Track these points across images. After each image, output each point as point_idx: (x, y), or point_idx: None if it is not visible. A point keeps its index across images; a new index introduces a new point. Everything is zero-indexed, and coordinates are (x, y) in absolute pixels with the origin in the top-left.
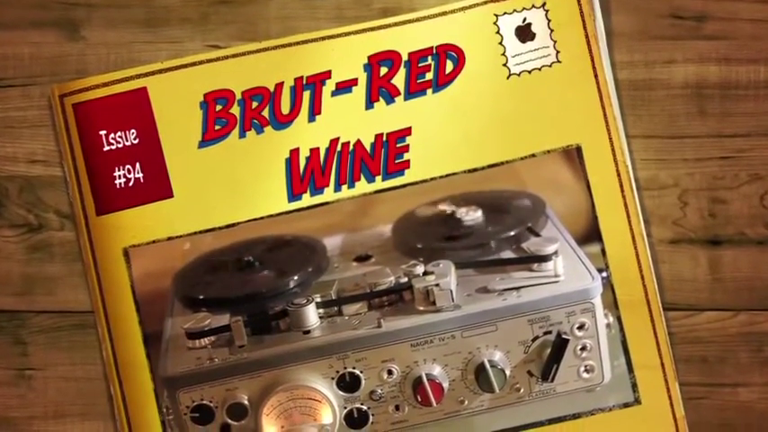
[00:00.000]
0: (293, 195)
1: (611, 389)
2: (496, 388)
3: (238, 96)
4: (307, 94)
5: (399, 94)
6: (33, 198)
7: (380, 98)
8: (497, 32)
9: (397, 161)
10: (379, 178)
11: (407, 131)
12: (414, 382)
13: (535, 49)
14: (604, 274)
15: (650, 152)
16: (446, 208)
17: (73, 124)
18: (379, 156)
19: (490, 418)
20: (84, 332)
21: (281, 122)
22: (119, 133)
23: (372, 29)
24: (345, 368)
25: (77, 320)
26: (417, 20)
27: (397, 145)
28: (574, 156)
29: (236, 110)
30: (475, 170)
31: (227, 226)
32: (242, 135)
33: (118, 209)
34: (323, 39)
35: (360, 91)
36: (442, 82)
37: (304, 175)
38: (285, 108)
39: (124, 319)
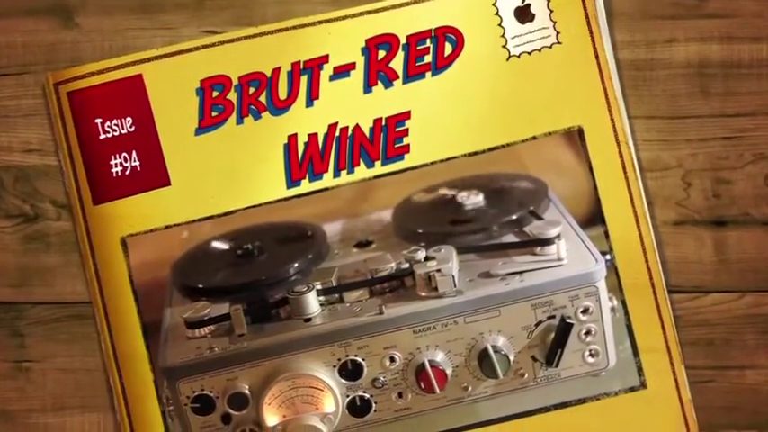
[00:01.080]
0: (292, 182)
1: (616, 373)
2: (500, 374)
3: (235, 82)
4: (304, 79)
5: (398, 77)
6: (29, 188)
7: (379, 82)
8: (496, 14)
9: (396, 146)
10: (378, 163)
11: (406, 115)
12: (416, 369)
13: (535, 31)
14: (608, 257)
15: (652, 133)
16: (447, 192)
17: (68, 113)
18: (378, 140)
19: (494, 404)
20: (82, 323)
21: (279, 108)
22: (114, 121)
23: (369, 12)
24: (347, 356)
25: (75, 311)
26: (415, 2)
27: (397, 129)
28: (575, 138)
29: (232, 96)
30: (476, 153)
31: (226, 213)
32: (239, 121)
33: (115, 198)
34: (320, 23)
35: (358, 75)
36: (440, 65)
37: (302, 161)
38: (282, 93)
39: (122, 309)
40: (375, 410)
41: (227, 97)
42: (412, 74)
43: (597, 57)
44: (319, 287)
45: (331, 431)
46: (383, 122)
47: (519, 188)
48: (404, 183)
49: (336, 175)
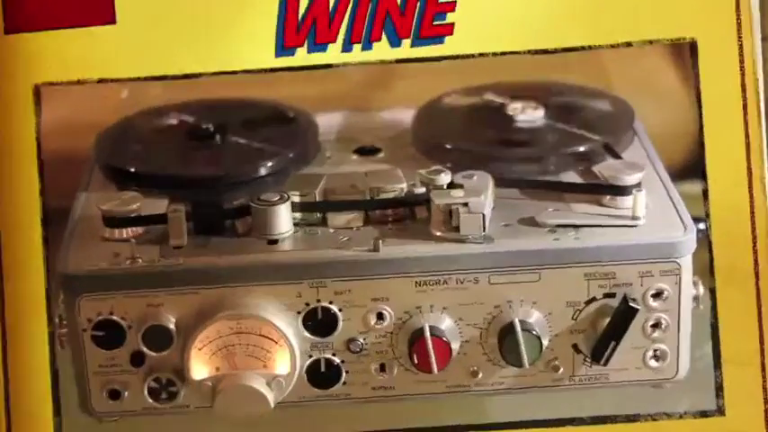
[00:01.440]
0: (283, 48)
1: (685, 388)
2: (526, 361)
3: None
4: None
5: None
6: None
7: None
8: None
9: (436, 22)
10: (407, 42)
11: None
12: (411, 336)
13: None
14: (702, 227)
15: None
16: (495, 99)
17: None
18: (413, 10)
19: (509, 402)
20: None
21: None
22: None
23: None
24: (319, 301)
25: None
26: None
27: (440, 0)
28: (685, 53)
29: None
30: (544, 52)
31: (187, 76)
32: None
33: (35, 29)
34: None
35: None
36: None
37: (302, 22)
38: None
39: (19, 181)
40: (344, 383)
41: None
42: None
43: None
44: (297, 199)
45: (278, 400)
46: None
47: (595, 110)
48: (438, 75)
49: (346, 48)
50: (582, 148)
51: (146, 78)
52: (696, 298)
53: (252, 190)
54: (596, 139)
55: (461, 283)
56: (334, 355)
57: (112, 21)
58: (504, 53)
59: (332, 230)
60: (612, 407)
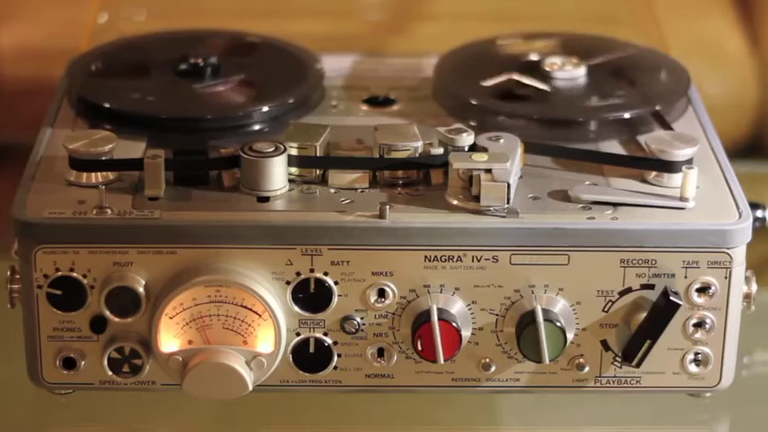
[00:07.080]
0: None
1: (729, 400)
2: (546, 356)
3: None
4: None
5: None
6: None
7: None
8: None
9: None
10: None
11: None
12: (416, 318)
13: None
14: (760, 214)
15: None
16: (530, 52)
17: None
18: None
19: (524, 403)
20: None
21: None
22: None
23: None
24: (312, 271)
25: None
26: None
27: None
28: (754, 11)
29: None
30: None
31: None
32: None
33: None
34: None
35: None
36: None
37: None
38: None
39: None
40: (336, 368)
41: None
42: None
43: None
44: (294, 152)
45: (258, 382)
46: None
47: (645, 72)
48: (466, 20)
49: None
50: (627, 115)
51: None
52: (747, 296)
53: (243, 138)
54: (644, 105)
55: (478, 260)
56: (325, 334)
57: None
58: None
59: (332, 191)
60: (642, 416)
